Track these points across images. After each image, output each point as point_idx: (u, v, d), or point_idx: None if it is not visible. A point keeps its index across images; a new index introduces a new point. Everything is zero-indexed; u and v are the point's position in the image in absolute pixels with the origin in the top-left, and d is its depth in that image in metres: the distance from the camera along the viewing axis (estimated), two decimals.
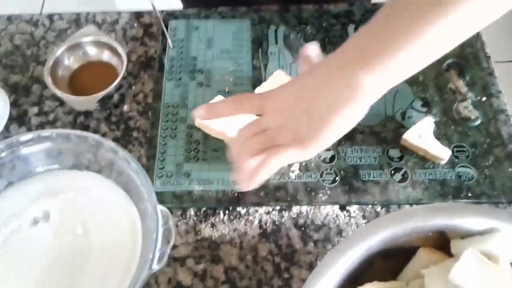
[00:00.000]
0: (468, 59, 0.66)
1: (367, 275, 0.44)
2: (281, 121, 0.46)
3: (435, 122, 0.60)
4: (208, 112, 0.51)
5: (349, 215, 0.55)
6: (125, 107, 0.63)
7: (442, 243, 0.44)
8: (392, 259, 0.46)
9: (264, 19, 0.70)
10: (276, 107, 0.47)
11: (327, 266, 0.41)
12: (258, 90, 0.60)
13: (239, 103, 0.50)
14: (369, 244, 0.42)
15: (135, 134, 0.61)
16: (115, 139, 0.60)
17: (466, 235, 0.43)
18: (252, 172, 0.47)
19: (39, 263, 0.51)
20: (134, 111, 0.63)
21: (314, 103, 0.45)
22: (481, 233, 0.42)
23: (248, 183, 0.48)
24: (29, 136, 0.54)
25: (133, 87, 0.65)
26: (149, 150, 0.59)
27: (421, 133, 0.58)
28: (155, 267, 0.46)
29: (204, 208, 0.56)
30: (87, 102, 0.61)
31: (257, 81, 0.64)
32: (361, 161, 0.58)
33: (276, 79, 0.60)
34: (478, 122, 0.61)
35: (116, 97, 0.64)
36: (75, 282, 0.49)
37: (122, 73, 0.62)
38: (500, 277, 0.39)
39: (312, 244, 0.53)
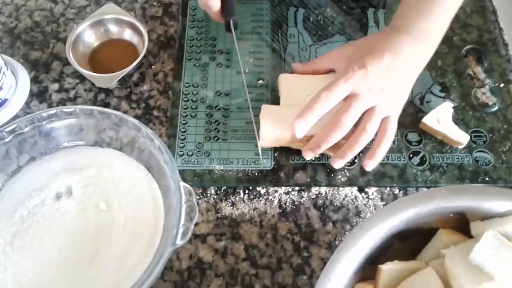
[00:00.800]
0: (486, 45, 0.66)
1: (386, 256, 0.45)
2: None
3: (453, 107, 0.60)
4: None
5: (368, 197, 0.56)
6: (145, 86, 0.64)
7: (461, 225, 0.45)
8: (411, 240, 0.46)
9: (283, 1, 0.70)
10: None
11: (350, 244, 0.42)
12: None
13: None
14: (392, 224, 0.43)
15: (155, 113, 0.62)
16: (136, 117, 0.60)
17: (486, 217, 0.43)
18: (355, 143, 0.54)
19: (63, 235, 0.52)
20: (154, 90, 0.63)
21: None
22: (501, 215, 0.43)
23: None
24: (51, 111, 0.54)
25: (153, 66, 0.65)
26: (170, 129, 0.60)
27: (440, 118, 0.58)
28: (179, 242, 0.47)
29: (224, 187, 0.56)
30: (108, 79, 0.61)
31: (277, 63, 0.65)
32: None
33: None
34: (496, 108, 0.61)
35: (136, 75, 0.64)
36: (98, 255, 0.50)
37: (143, 51, 0.62)
38: None
39: (331, 224, 0.54)
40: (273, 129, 0.56)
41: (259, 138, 0.56)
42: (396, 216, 0.43)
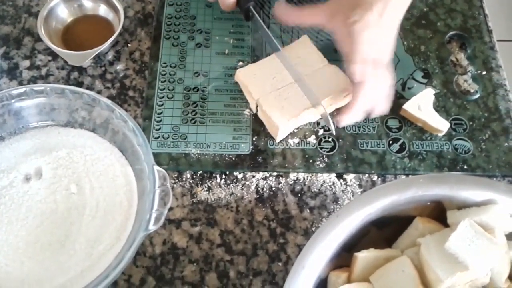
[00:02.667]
0: (470, 31, 0.65)
1: (363, 243, 0.44)
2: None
3: (434, 94, 0.60)
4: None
5: (346, 184, 0.55)
6: (121, 65, 0.61)
7: (438, 213, 0.45)
8: (388, 228, 0.46)
9: None
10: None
11: (326, 232, 0.41)
12: (279, 53, 0.58)
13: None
14: (368, 212, 0.42)
15: (131, 93, 0.60)
16: (110, 98, 0.59)
17: (463, 206, 0.43)
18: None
19: (31, 218, 0.50)
20: (130, 69, 0.61)
21: None
22: (478, 204, 0.43)
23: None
24: (21, 90, 0.52)
25: (129, 45, 0.63)
26: (145, 111, 0.58)
27: (421, 104, 0.57)
28: (152, 227, 0.45)
29: (201, 172, 0.55)
30: (81, 57, 0.59)
31: (258, 44, 0.63)
32: (359, 130, 0.58)
33: (301, 44, 0.59)
34: (477, 96, 0.61)
35: (111, 54, 0.62)
36: (69, 239, 0.49)
37: (119, 29, 0.59)
38: (495, 247, 0.40)
39: (308, 210, 0.53)
40: (284, 115, 0.54)
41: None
42: (373, 204, 0.42)
